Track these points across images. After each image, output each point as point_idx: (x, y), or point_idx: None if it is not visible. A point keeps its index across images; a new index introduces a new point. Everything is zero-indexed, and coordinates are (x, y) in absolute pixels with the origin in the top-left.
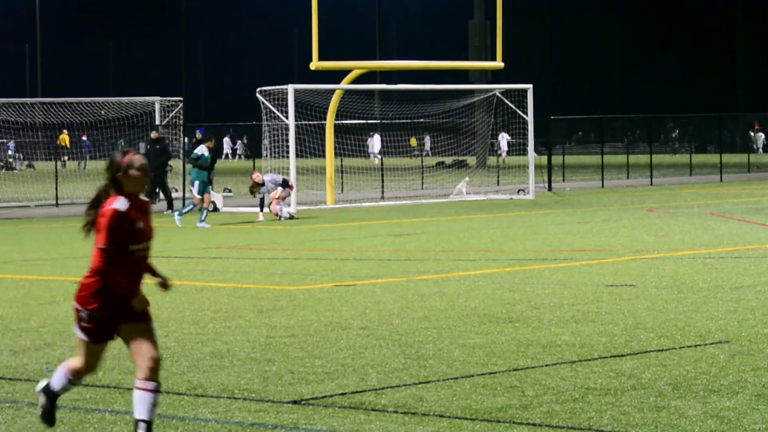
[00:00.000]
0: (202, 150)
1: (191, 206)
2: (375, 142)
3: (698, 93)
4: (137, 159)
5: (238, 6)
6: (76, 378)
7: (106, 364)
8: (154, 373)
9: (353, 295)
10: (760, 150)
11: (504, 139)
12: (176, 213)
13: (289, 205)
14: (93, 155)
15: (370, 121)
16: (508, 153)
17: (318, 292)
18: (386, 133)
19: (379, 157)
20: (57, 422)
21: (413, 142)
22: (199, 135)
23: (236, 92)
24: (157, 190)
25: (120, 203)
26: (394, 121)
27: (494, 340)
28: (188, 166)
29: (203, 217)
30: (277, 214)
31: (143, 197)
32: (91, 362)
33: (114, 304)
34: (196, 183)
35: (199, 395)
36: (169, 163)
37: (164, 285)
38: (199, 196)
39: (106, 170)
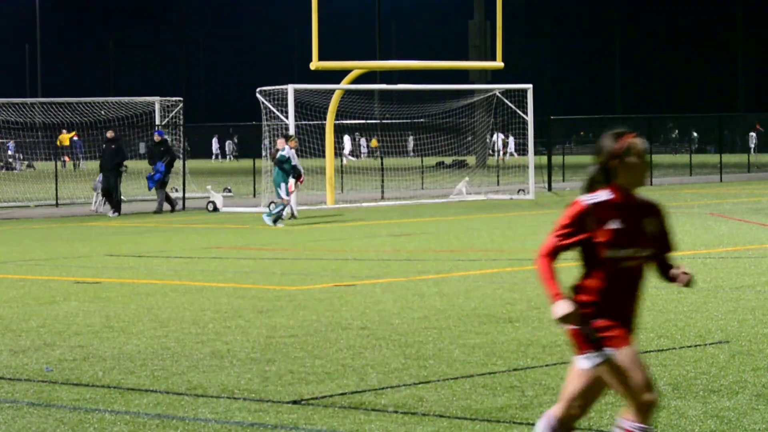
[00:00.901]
0: (290, 153)
1: (281, 207)
2: (346, 144)
3: (698, 93)
4: (637, 143)
5: (238, 6)
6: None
7: (106, 364)
8: (649, 414)
9: (353, 295)
10: (754, 151)
11: (500, 138)
12: (265, 215)
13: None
14: (91, 155)
15: (370, 121)
16: (505, 153)
17: (318, 292)
18: (386, 133)
19: (350, 157)
20: (57, 422)
21: (374, 143)
22: (157, 137)
23: (236, 92)
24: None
25: (595, 197)
26: (393, 121)
27: (494, 340)
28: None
29: (273, 211)
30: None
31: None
32: (588, 397)
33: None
34: (282, 185)
35: (199, 395)
36: (124, 163)
37: (687, 282)
38: (287, 198)
39: (596, 156)
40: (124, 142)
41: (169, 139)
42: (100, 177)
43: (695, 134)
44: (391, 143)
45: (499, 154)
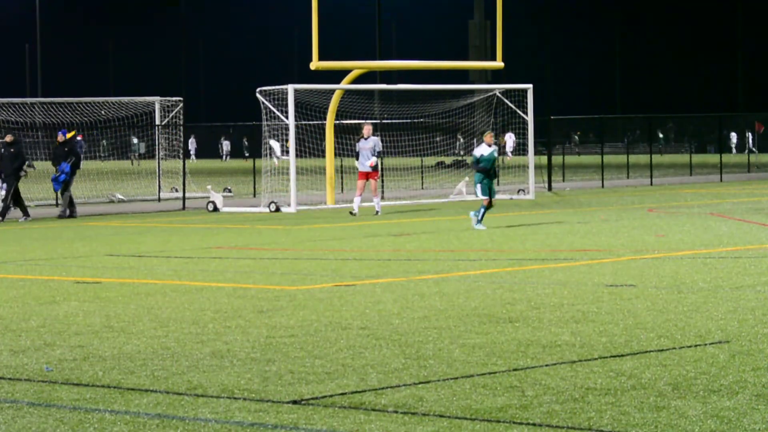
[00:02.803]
0: (481, 150)
1: (483, 209)
2: (275, 145)
3: (698, 93)
4: None
5: (238, 6)
6: None
7: (106, 364)
8: None
9: (353, 295)
10: (734, 150)
11: (510, 139)
12: (474, 221)
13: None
14: (91, 155)
15: (369, 121)
16: (514, 153)
17: (318, 292)
18: (386, 133)
19: (282, 158)
20: (57, 422)
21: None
22: (60, 137)
23: (236, 92)
24: (9, 198)
25: None
26: (393, 121)
27: (494, 340)
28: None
29: (480, 217)
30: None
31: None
32: None
33: None
34: (479, 185)
35: (199, 395)
36: (24, 168)
37: None
38: (485, 197)
39: None
40: (121, 142)
41: (80, 139)
42: (3, 184)
43: (660, 135)
44: (391, 143)
45: (509, 155)
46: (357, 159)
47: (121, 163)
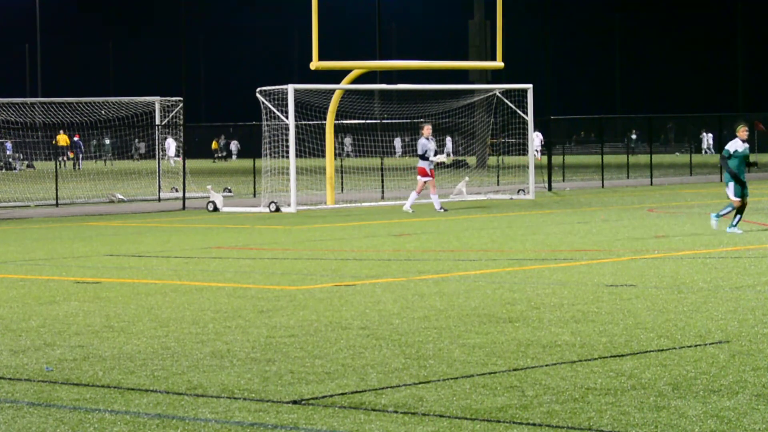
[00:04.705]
0: (735, 145)
1: (729, 208)
2: (170, 145)
3: (698, 93)
4: None
5: (238, 6)
6: None
7: (106, 364)
8: None
9: (353, 295)
10: (711, 151)
11: (538, 138)
12: (713, 214)
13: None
14: (92, 155)
15: (369, 121)
16: (542, 152)
17: (318, 292)
18: (386, 133)
19: (177, 159)
20: (57, 422)
21: (215, 144)
22: None
23: (236, 92)
24: None
25: None
26: (393, 121)
27: (494, 340)
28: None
29: (735, 222)
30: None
31: None
32: None
33: None
34: (731, 184)
35: (199, 395)
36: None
37: None
38: (736, 198)
39: None
40: (121, 141)
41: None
42: None
43: (634, 136)
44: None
45: (538, 154)
46: (434, 156)
47: (120, 162)
